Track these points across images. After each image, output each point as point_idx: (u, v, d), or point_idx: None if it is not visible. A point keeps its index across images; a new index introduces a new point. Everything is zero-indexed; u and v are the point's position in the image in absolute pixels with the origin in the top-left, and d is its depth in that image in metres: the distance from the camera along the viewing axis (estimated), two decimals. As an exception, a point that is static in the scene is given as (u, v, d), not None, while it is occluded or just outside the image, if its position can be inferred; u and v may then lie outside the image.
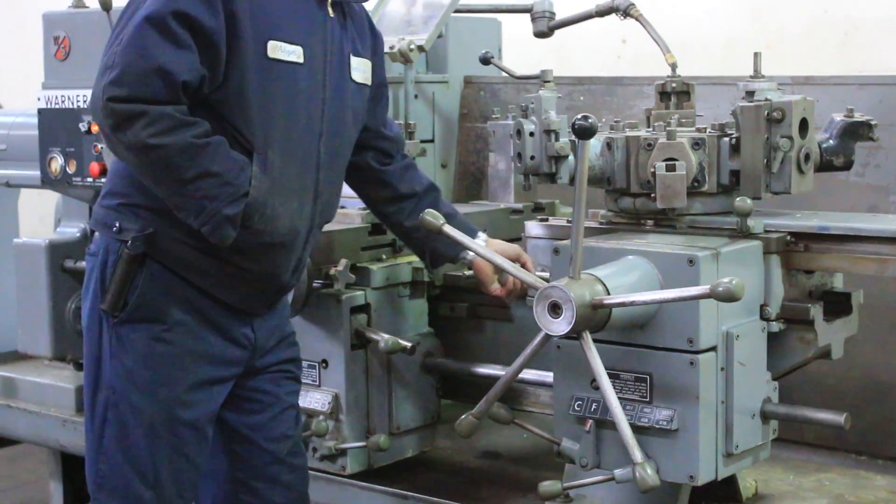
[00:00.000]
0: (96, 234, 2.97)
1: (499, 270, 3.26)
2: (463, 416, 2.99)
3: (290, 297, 3.37)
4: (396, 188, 3.37)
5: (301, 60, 2.91)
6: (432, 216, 3.07)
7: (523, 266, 3.27)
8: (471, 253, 3.26)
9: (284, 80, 2.89)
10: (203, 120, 2.77)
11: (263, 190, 2.84)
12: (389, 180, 3.36)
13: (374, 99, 3.29)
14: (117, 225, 2.86)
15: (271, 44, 2.84)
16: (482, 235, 3.38)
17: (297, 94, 2.92)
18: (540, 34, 4.47)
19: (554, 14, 4.43)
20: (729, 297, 2.62)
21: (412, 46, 4.21)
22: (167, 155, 2.70)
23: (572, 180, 3.16)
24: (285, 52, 2.87)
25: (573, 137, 2.91)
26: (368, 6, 4.43)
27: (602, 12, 4.28)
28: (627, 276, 2.87)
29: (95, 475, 2.94)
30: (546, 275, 3.09)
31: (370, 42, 3.24)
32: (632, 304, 2.79)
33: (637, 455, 2.72)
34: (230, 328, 2.99)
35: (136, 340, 2.87)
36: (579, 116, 2.84)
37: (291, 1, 2.94)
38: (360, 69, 3.16)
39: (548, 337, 2.85)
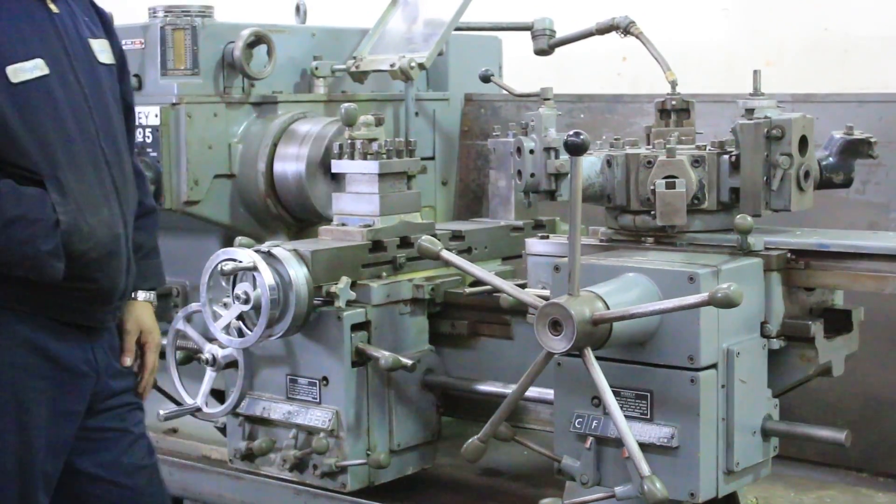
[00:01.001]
0: None
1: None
2: (469, 441, 2.99)
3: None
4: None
5: (47, 71, 2.82)
6: (430, 242, 3.12)
7: None
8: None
9: (40, 98, 2.81)
10: None
11: (71, 211, 2.79)
12: None
13: (120, 77, 3.18)
14: None
15: (10, 69, 2.75)
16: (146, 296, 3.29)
17: (57, 105, 2.84)
18: (540, 52, 4.50)
19: (554, 32, 4.46)
20: (728, 302, 2.64)
21: (413, 64, 4.22)
22: None
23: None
24: (27, 70, 2.78)
25: (571, 154, 2.92)
26: (368, 24, 4.48)
27: (602, 30, 4.30)
28: (628, 294, 2.87)
29: None
30: (546, 293, 3.08)
31: (99, 21, 3.12)
32: (631, 316, 2.79)
33: (644, 469, 2.73)
34: (71, 357, 2.94)
35: None
36: (571, 133, 2.86)
37: (15, 18, 2.82)
38: (103, 50, 3.06)
39: (550, 355, 2.85)
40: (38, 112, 2.79)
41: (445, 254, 3.14)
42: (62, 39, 2.90)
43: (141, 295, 3.20)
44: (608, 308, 2.79)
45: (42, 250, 2.73)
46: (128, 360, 3.17)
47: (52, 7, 2.90)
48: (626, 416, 2.86)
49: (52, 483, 2.97)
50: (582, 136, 2.82)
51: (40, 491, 2.93)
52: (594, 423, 3.00)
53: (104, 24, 3.14)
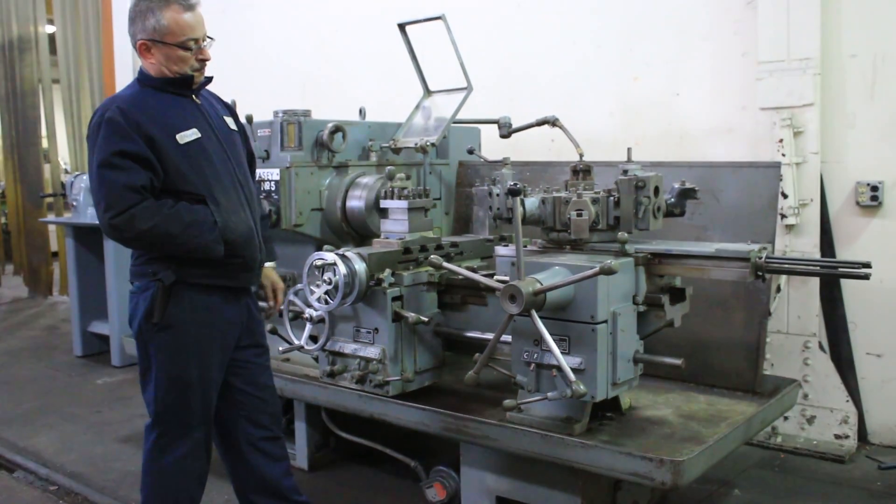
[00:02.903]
0: (135, 282, 2.92)
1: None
2: (468, 374, 2.99)
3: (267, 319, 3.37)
4: None
5: (199, 135, 2.84)
6: (436, 259, 3.18)
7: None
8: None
9: (198, 150, 2.83)
10: (167, 199, 2.76)
11: (223, 215, 2.83)
12: None
13: (243, 137, 3.18)
14: (152, 270, 2.84)
15: (178, 135, 2.79)
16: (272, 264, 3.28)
17: (208, 154, 2.86)
18: (503, 136, 4.50)
19: (511, 124, 4.46)
20: (610, 271, 2.71)
21: (428, 143, 4.23)
22: (160, 229, 2.70)
23: (521, 221, 3.19)
24: (188, 135, 2.81)
25: (511, 196, 3.03)
26: (402, 119, 4.48)
27: (540, 123, 4.32)
28: (555, 278, 2.90)
29: (155, 411, 2.94)
30: (506, 278, 3.09)
31: (225, 107, 3.13)
32: (556, 286, 2.82)
33: (571, 376, 2.78)
34: (228, 313, 2.97)
35: (170, 340, 2.86)
36: (510, 184, 3.03)
37: (173, 107, 2.84)
38: (231, 122, 3.08)
39: (510, 317, 2.88)
40: (197, 159, 2.83)
41: (445, 264, 3.19)
42: (206, 116, 2.93)
43: (268, 264, 3.21)
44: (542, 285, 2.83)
45: (209, 239, 2.78)
46: (269, 302, 3.24)
47: (196, 100, 2.94)
48: (553, 350, 2.91)
49: (219, 387, 3.01)
50: (518, 185, 3.01)
51: (213, 392, 2.98)
52: (535, 356, 3.03)
53: (229, 108, 3.16)
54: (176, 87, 2.88)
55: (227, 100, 3.24)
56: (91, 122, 2.80)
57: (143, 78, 2.89)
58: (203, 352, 2.91)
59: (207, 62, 2.90)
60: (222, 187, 2.87)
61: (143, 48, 2.82)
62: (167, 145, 2.75)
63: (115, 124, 2.71)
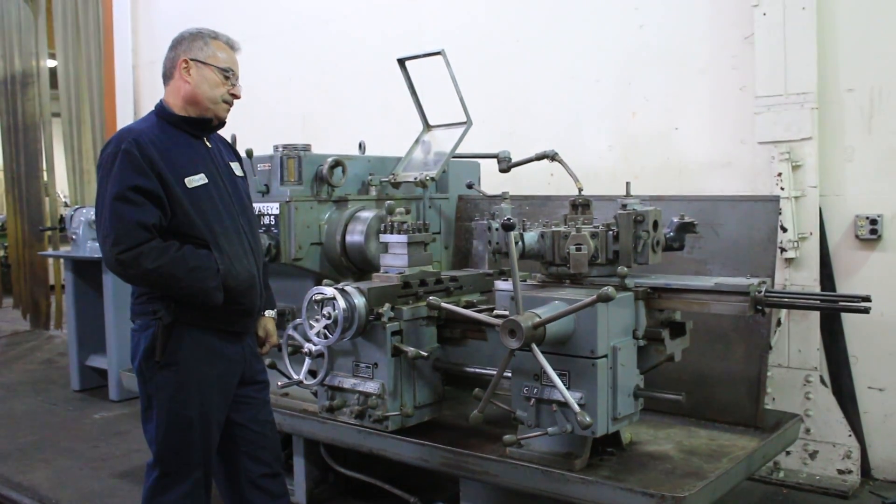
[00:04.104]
0: (136, 321, 2.92)
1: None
2: (472, 414, 2.96)
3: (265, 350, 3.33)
4: None
5: (206, 180, 2.87)
6: (434, 300, 3.20)
7: None
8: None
9: (204, 195, 2.85)
10: (173, 241, 2.76)
11: (226, 262, 2.84)
12: None
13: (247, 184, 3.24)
14: (152, 310, 2.84)
15: (186, 179, 2.81)
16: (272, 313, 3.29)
17: (214, 200, 2.88)
18: (502, 171, 4.53)
19: (510, 158, 4.49)
20: (608, 297, 2.70)
21: (427, 178, 4.24)
22: (165, 270, 2.71)
23: (521, 256, 3.21)
24: (196, 180, 2.84)
25: (505, 231, 3.03)
26: (401, 153, 4.50)
27: (539, 157, 4.36)
28: (553, 312, 2.88)
29: (157, 451, 2.92)
30: (505, 313, 3.09)
31: (233, 154, 3.17)
32: (555, 318, 2.81)
33: (576, 407, 2.77)
34: (230, 355, 2.97)
35: (171, 377, 2.86)
36: (505, 218, 3.04)
37: (185, 149, 2.87)
38: (237, 168, 3.11)
39: (512, 352, 2.87)
40: (203, 204, 2.84)
41: (443, 305, 3.20)
42: (214, 162, 2.95)
43: (267, 313, 3.22)
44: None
45: (211, 286, 2.78)
46: (258, 349, 3.20)
47: (207, 143, 2.96)
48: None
49: (221, 426, 3.01)
50: (511, 220, 3.00)
51: (214, 431, 2.97)
52: (535, 391, 3.02)
53: (235, 154, 3.19)
54: (192, 126, 2.92)
55: (227, 135, 3.26)
56: (105, 150, 2.81)
57: (161, 111, 2.93)
58: (204, 390, 2.90)
59: (236, 100, 2.99)
60: (226, 234, 2.88)
61: (183, 66, 2.89)
62: (176, 187, 2.77)
63: (131, 157, 2.72)
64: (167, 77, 2.96)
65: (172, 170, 2.77)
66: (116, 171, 2.71)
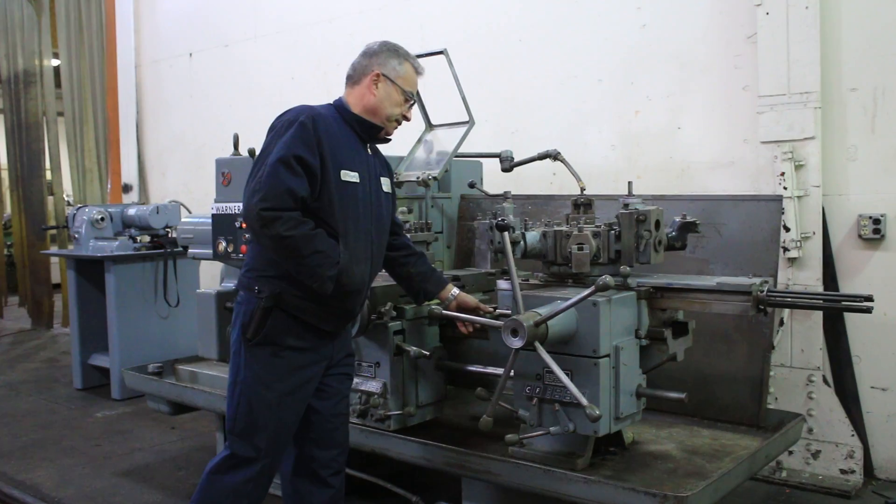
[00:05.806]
0: (241, 292, 2.99)
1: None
2: (483, 419, 2.96)
3: (355, 327, 3.38)
4: (405, 248, 3.35)
5: (357, 180, 2.94)
6: (436, 309, 3.27)
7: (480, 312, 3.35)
8: (452, 294, 3.33)
9: (350, 193, 2.91)
10: (310, 219, 2.81)
11: (346, 259, 2.86)
12: (400, 244, 3.34)
13: (393, 201, 3.27)
14: (256, 288, 2.89)
15: (342, 171, 2.88)
16: (455, 290, 3.37)
17: (357, 200, 2.94)
18: (505, 170, 4.53)
19: (513, 158, 4.49)
20: (606, 287, 2.70)
21: (430, 177, 4.23)
22: (294, 242, 2.74)
23: (523, 255, 3.20)
24: (350, 176, 2.90)
25: (499, 231, 3.06)
26: (403, 152, 4.50)
27: (542, 157, 4.35)
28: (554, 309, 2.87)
29: (232, 428, 2.96)
30: (508, 312, 3.09)
31: (387, 169, 3.23)
32: (555, 314, 2.81)
33: (584, 400, 2.75)
34: (320, 348, 3.00)
35: (261, 355, 2.90)
36: (499, 219, 3.04)
37: (349, 145, 2.95)
38: (386, 184, 3.17)
39: (516, 351, 2.86)
40: (347, 200, 2.90)
41: (445, 312, 3.24)
42: (368, 169, 3.02)
43: (455, 291, 3.36)
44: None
45: (326, 274, 2.81)
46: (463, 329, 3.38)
47: (368, 151, 3.06)
48: (557, 386, 2.90)
49: (299, 419, 3.04)
50: (505, 221, 3.03)
51: (291, 420, 3.00)
52: (537, 390, 3.01)
53: (389, 171, 3.25)
54: (363, 128, 3.02)
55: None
56: (282, 116, 2.90)
57: (340, 106, 3.05)
58: (288, 376, 2.93)
59: (406, 122, 3.12)
60: (356, 235, 2.94)
61: (373, 78, 3.00)
62: (331, 174, 2.84)
63: (306, 130, 2.80)
64: (354, 81, 3.05)
65: (333, 157, 2.85)
66: (288, 137, 2.79)
